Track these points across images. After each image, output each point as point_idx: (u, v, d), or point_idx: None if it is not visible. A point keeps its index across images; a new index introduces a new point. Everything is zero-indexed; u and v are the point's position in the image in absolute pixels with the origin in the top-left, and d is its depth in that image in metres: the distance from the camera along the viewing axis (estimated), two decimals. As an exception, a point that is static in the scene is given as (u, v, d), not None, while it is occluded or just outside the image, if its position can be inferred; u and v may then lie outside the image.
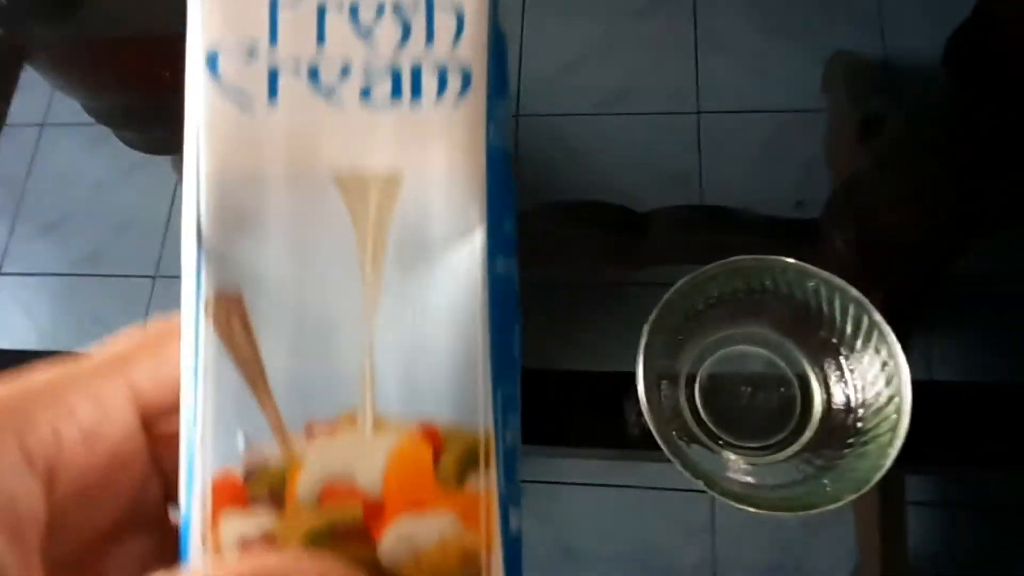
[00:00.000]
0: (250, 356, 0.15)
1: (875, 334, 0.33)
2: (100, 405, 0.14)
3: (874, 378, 0.33)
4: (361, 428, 0.15)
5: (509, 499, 0.15)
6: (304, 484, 0.14)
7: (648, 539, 0.86)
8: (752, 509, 0.31)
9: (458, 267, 0.15)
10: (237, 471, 0.14)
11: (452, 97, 0.15)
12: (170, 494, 0.16)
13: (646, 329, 0.34)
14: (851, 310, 0.33)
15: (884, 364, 0.33)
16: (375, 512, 0.15)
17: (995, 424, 0.38)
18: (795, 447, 0.35)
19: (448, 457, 0.15)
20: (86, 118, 0.72)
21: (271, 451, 0.14)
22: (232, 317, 0.15)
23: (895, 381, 0.32)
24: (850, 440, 0.34)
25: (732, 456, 0.35)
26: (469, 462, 0.15)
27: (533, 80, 1.02)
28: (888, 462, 0.31)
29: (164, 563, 0.14)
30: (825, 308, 0.34)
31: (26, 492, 0.12)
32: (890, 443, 0.31)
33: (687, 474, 0.32)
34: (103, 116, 0.71)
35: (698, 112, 0.99)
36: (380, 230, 0.15)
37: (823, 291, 0.34)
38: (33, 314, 1.03)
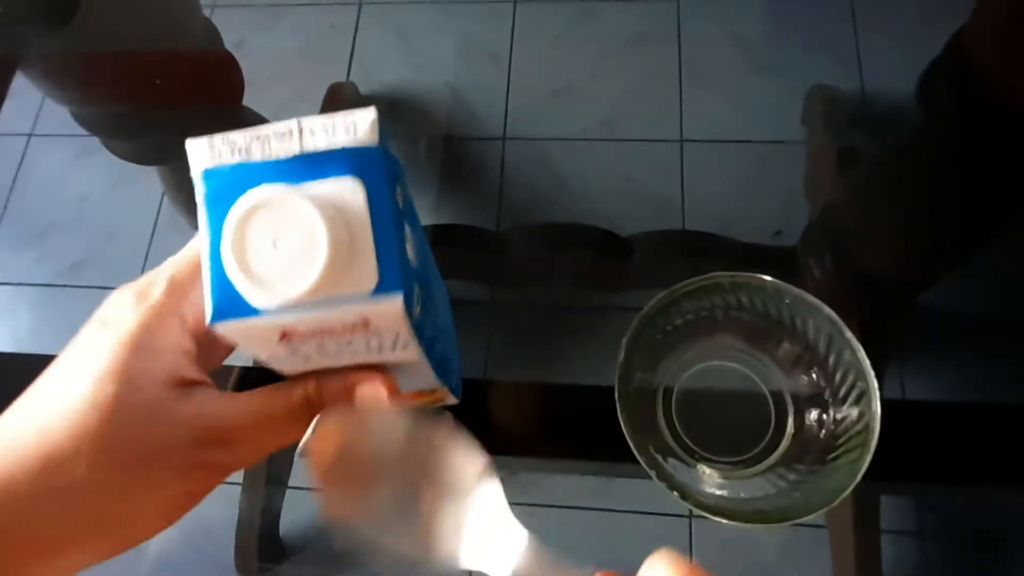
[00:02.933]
0: None
1: (847, 352, 0.34)
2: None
3: (845, 395, 0.34)
4: None
5: None
6: None
7: (625, 561, 0.86)
8: (724, 521, 0.31)
9: None
10: None
11: None
12: None
13: (624, 343, 0.34)
14: (824, 328, 0.34)
15: (855, 382, 0.34)
16: None
17: (967, 443, 0.39)
18: (768, 462, 0.36)
19: None
20: (74, 129, 0.72)
21: None
22: None
23: (865, 398, 0.33)
24: (822, 456, 0.34)
25: (707, 470, 0.36)
26: None
27: (521, 105, 1.04)
28: (858, 477, 0.31)
29: None
30: (799, 325, 0.35)
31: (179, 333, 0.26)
32: (860, 458, 0.32)
33: (662, 485, 0.32)
34: (92, 125, 0.71)
35: (681, 140, 1.01)
36: None
37: (798, 309, 0.35)
38: (13, 322, 1.02)
